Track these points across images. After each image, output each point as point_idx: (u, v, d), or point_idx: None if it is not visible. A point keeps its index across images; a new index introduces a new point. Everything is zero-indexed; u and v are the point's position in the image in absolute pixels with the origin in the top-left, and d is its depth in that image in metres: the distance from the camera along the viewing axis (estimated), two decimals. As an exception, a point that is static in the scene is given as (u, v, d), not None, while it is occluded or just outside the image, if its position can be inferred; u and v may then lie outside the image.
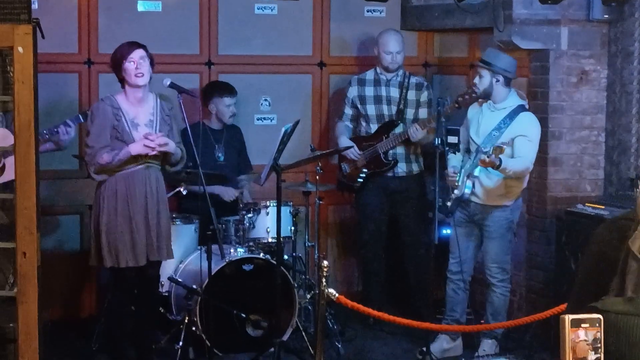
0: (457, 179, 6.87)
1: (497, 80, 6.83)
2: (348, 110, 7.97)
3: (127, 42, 6.40)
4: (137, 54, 6.27)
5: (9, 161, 5.99)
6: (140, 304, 6.58)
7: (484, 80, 6.84)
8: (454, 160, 6.96)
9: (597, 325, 2.31)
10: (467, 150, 7.03)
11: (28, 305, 3.84)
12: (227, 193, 7.57)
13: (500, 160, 6.48)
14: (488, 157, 6.47)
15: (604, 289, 2.53)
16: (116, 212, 6.24)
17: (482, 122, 6.91)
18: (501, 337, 7.12)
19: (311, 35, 8.40)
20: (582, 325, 2.31)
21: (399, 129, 7.75)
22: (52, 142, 6.73)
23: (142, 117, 6.36)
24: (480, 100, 6.93)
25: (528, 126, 6.81)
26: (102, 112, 6.26)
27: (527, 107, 6.96)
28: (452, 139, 6.69)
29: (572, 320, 2.31)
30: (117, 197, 6.25)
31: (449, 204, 6.92)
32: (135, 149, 6.20)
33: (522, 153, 6.68)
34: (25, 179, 3.80)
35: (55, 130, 6.66)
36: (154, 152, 6.25)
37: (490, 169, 6.64)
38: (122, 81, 6.35)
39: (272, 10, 8.20)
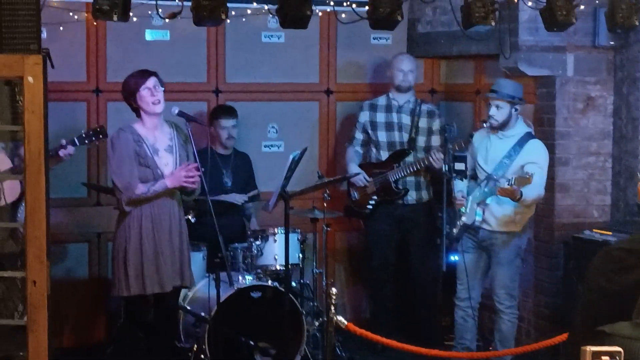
0: (465, 205, 6.87)
1: (516, 110, 6.84)
2: (359, 135, 7.98)
3: (138, 70, 6.37)
4: (152, 81, 6.27)
5: (6, 185, 6.00)
6: (156, 335, 6.51)
7: (503, 111, 6.81)
8: (460, 185, 6.95)
9: (617, 358, 2.34)
10: (473, 177, 7.03)
11: (38, 334, 3.84)
12: (235, 197, 7.58)
13: (522, 193, 6.48)
14: (510, 185, 6.46)
15: (604, 321, 2.55)
16: (142, 240, 6.20)
17: (490, 149, 6.91)
18: (509, 364, 7.11)
19: (318, 62, 8.43)
20: (603, 357, 2.34)
21: (410, 158, 7.75)
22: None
23: (162, 143, 6.34)
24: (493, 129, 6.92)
25: (538, 153, 6.83)
26: (124, 141, 6.22)
27: (533, 133, 6.99)
28: (459, 166, 6.70)
29: (593, 352, 2.34)
30: (142, 225, 6.21)
31: (455, 230, 6.92)
32: (172, 182, 6.20)
33: (535, 180, 6.66)
34: (35, 208, 3.81)
35: (56, 151, 6.64)
36: (194, 186, 6.26)
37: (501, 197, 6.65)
38: (137, 110, 6.32)
39: (279, 38, 8.25)
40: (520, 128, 6.90)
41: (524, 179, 6.44)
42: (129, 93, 6.29)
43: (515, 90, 6.84)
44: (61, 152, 6.49)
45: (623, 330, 2.45)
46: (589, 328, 2.62)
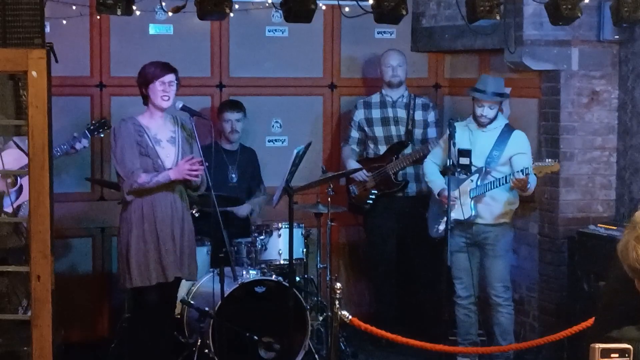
0: (456, 202, 6.88)
1: (501, 110, 6.95)
2: (354, 134, 7.98)
3: (161, 62, 6.39)
4: (169, 77, 6.29)
5: (25, 181, 6.02)
6: (158, 328, 6.50)
7: (494, 110, 6.91)
8: (441, 182, 6.98)
9: (627, 355, 2.34)
10: (444, 172, 7.00)
11: (42, 329, 3.85)
12: (241, 209, 7.57)
13: (529, 183, 6.56)
14: (526, 175, 6.49)
15: (628, 311, 2.55)
16: (144, 232, 6.21)
17: (476, 143, 6.94)
18: (513, 358, 7.10)
19: (322, 57, 8.42)
20: (612, 355, 2.34)
21: (408, 150, 7.76)
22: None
23: (164, 134, 6.36)
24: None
25: (524, 144, 6.96)
26: (125, 130, 6.25)
27: (509, 123, 7.04)
28: (463, 160, 6.70)
29: (602, 350, 2.33)
30: (143, 217, 6.22)
31: (442, 227, 6.93)
32: (175, 174, 6.19)
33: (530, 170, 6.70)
34: (39, 203, 3.81)
35: (70, 146, 6.71)
36: (197, 179, 6.26)
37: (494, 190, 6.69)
38: (146, 98, 6.35)
39: (282, 32, 8.23)
40: (500, 120, 7.01)
41: (548, 166, 6.48)
42: (144, 81, 6.32)
43: (500, 87, 6.95)
44: (77, 146, 6.58)
45: (630, 334, 2.46)
46: (610, 316, 2.62)
